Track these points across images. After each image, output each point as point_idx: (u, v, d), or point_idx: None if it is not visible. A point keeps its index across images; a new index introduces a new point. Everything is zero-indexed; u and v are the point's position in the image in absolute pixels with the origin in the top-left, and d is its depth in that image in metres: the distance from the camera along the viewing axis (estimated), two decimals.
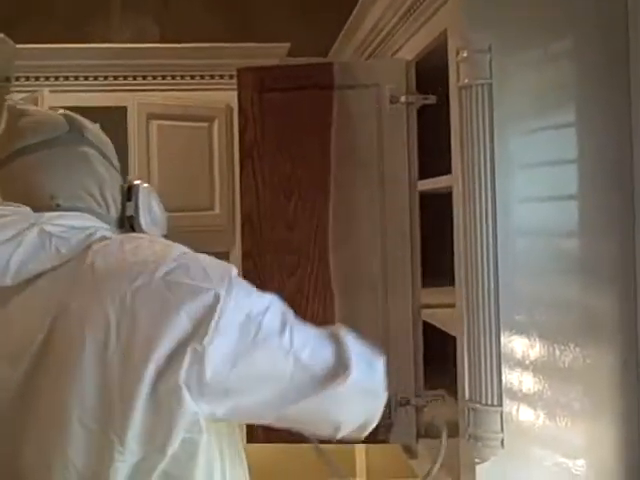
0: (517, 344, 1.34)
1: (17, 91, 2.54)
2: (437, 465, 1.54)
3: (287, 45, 2.59)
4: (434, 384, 1.76)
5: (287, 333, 1.10)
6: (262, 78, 1.78)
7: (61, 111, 1.24)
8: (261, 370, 1.08)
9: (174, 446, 1.03)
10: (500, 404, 1.33)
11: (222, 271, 1.08)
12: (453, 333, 1.47)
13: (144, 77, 2.62)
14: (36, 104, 2.38)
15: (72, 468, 1.02)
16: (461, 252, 1.39)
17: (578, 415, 1.35)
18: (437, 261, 1.75)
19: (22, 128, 1.18)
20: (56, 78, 2.57)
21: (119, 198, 1.24)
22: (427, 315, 1.70)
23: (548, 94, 1.35)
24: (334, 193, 1.74)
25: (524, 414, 1.34)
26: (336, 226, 1.74)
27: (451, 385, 1.52)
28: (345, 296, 1.74)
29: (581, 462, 1.35)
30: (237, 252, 2.11)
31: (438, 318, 1.64)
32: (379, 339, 1.71)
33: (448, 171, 1.47)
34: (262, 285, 1.72)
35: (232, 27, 2.90)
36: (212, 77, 2.65)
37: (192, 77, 2.66)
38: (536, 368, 1.34)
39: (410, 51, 1.71)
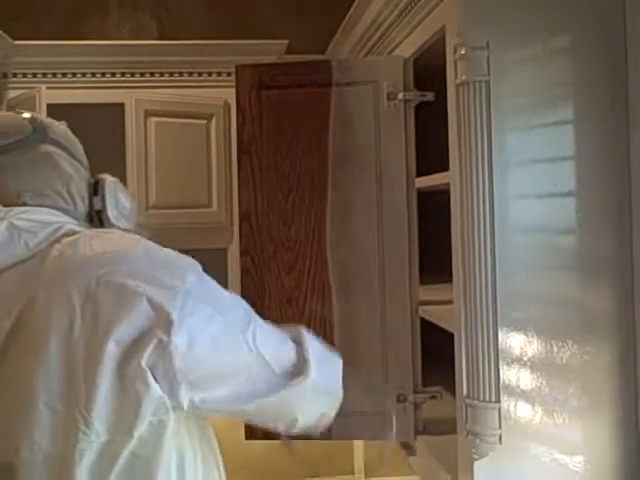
0: (515, 341, 1.34)
1: (15, 88, 2.54)
2: None
3: (285, 42, 2.59)
4: (432, 381, 1.77)
5: (250, 331, 1.14)
6: (260, 75, 1.77)
7: (25, 114, 1.27)
8: (224, 364, 1.12)
9: (141, 429, 1.07)
10: (498, 401, 1.33)
11: (188, 266, 1.13)
12: (451, 330, 1.47)
13: (142, 74, 2.62)
14: (34, 101, 2.38)
15: (38, 450, 1.06)
16: (459, 249, 1.39)
17: (576, 412, 1.35)
18: (435, 258, 1.75)
19: None
20: (54, 75, 2.57)
21: (86, 194, 1.28)
22: (425, 312, 1.70)
23: (546, 91, 1.36)
24: (332, 190, 1.74)
25: (522, 411, 1.34)
26: (334, 223, 1.74)
27: (449, 382, 1.52)
28: (343, 293, 1.74)
29: (579, 458, 1.36)
30: (235, 249, 2.12)
31: (436, 315, 1.64)
32: (377, 336, 1.72)
33: (446, 168, 1.47)
34: (260, 282, 1.76)
35: (230, 24, 2.90)
36: (210, 74, 2.65)
37: (190, 74, 2.66)
38: (534, 365, 1.35)
39: (408, 48, 1.71)
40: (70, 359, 1.05)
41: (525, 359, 1.35)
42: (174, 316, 1.04)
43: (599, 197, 1.36)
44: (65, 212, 1.21)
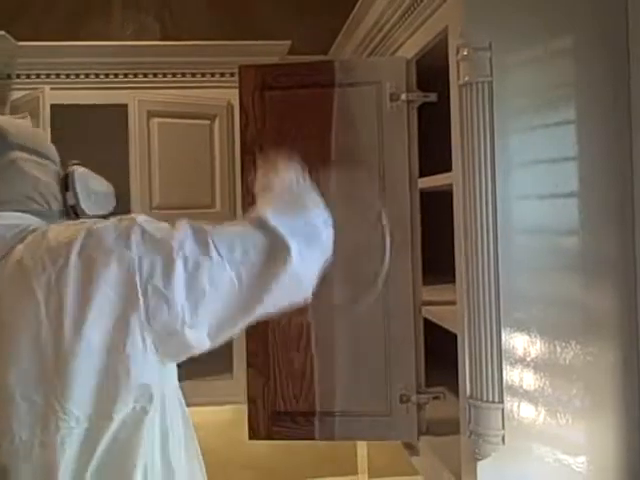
0: (518, 341, 1.34)
1: (18, 88, 2.54)
2: None
3: (288, 43, 2.59)
4: (435, 381, 1.77)
5: (211, 247, 1.16)
6: (263, 76, 1.78)
7: None
8: (210, 292, 1.15)
9: (121, 414, 1.12)
10: (501, 401, 1.33)
11: (128, 230, 1.15)
12: (454, 330, 1.47)
13: (145, 75, 2.62)
14: (37, 101, 2.39)
15: (18, 441, 1.10)
16: (461, 249, 1.39)
17: (579, 412, 1.35)
18: (438, 258, 1.75)
19: None
20: (57, 75, 2.57)
21: (58, 190, 1.31)
22: (428, 312, 1.70)
23: (548, 92, 1.36)
24: (335, 190, 1.74)
25: (525, 411, 1.35)
26: (337, 223, 1.74)
27: (452, 382, 1.52)
28: (346, 293, 1.74)
29: (582, 459, 1.36)
30: None
31: (439, 315, 1.64)
32: (380, 336, 1.72)
33: (448, 169, 1.47)
34: None
35: (233, 25, 2.90)
36: (213, 75, 2.65)
37: (193, 75, 2.65)
38: (537, 365, 1.35)
39: (410, 49, 1.71)
40: (41, 353, 1.09)
41: (528, 360, 1.35)
42: (136, 287, 1.10)
43: (601, 198, 1.36)
44: (39, 214, 1.25)
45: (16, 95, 2.54)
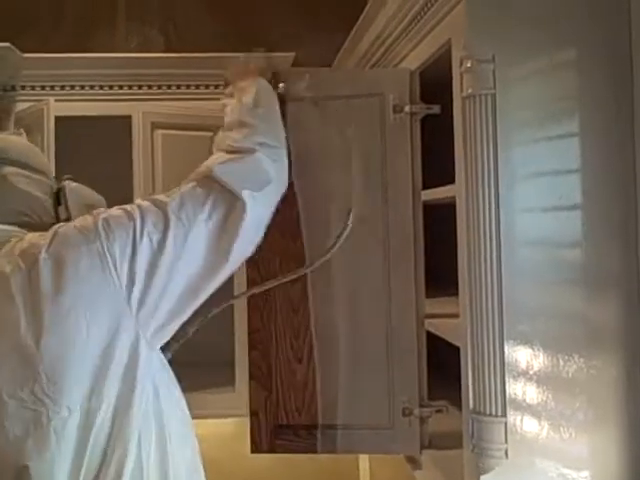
0: (521, 355, 1.33)
1: (23, 100, 2.55)
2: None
3: (291, 55, 2.59)
4: (438, 395, 1.76)
5: (171, 215, 1.24)
6: None
7: None
8: (181, 257, 1.24)
9: (111, 399, 1.18)
10: (504, 415, 1.32)
11: (93, 223, 1.22)
12: (457, 343, 1.46)
13: (149, 86, 2.63)
14: (42, 113, 2.39)
15: (13, 438, 1.14)
16: (464, 262, 1.39)
17: (582, 426, 1.35)
18: (441, 271, 1.75)
19: None
20: (62, 87, 2.58)
21: (50, 205, 1.36)
22: (431, 325, 1.70)
23: (552, 104, 1.35)
24: (337, 201, 1.74)
25: (528, 425, 1.34)
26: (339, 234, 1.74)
27: (455, 396, 1.51)
28: (349, 304, 1.74)
29: (585, 473, 1.35)
30: None
31: (442, 328, 1.64)
32: (383, 349, 1.71)
33: (451, 181, 1.47)
34: (266, 292, 1.75)
35: (237, 37, 2.91)
36: (217, 87, 2.65)
37: (197, 87, 2.66)
38: (540, 379, 1.34)
39: (414, 61, 1.71)
40: (24, 353, 1.14)
41: (531, 373, 1.34)
42: (112, 266, 1.17)
43: (605, 210, 1.35)
44: (29, 225, 1.29)
45: (21, 107, 2.55)
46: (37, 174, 1.35)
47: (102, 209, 1.28)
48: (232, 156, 1.38)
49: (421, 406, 1.70)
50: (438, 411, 1.71)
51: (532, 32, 1.35)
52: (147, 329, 1.23)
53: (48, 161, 1.41)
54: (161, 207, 1.26)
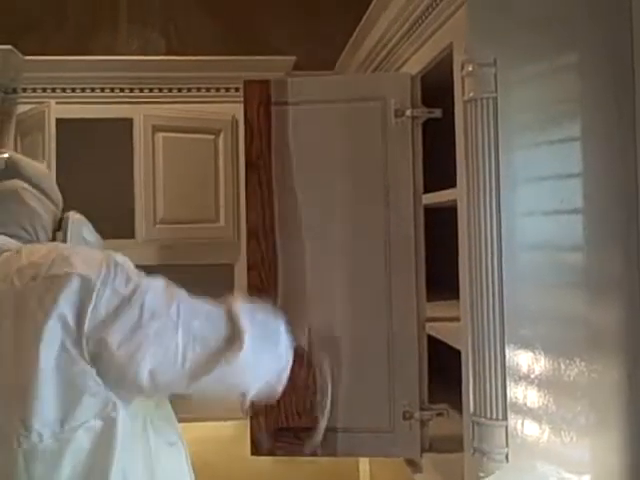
0: (522, 358, 1.33)
1: (24, 102, 2.55)
2: None
3: (293, 58, 2.60)
4: (439, 398, 1.76)
5: (174, 308, 1.20)
6: (268, 91, 1.78)
7: (4, 154, 1.38)
8: (156, 346, 1.18)
9: (83, 426, 1.14)
10: (505, 418, 1.32)
11: (99, 261, 1.20)
12: (458, 347, 1.46)
13: (150, 89, 2.63)
14: (43, 116, 2.40)
15: None
16: (466, 266, 1.39)
17: (583, 430, 1.34)
18: (442, 275, 1.75)
19: None
20: (63, 90, 2.58)
21: (50, 227, 1.38)
22: (432, 329, 1.70)
23: (553, 108, 1.36)
24: (339, 205, 1.74)
25: (529, 429, 1.34)
26: (341, 239, 1.74)
27: (456, 399, 1.51)
28: (350, 308, 1.74)
29: (586, 477, 1.35)
30: (242, 265, 2.12)
31: (443, 332, 1.64)
32: (384, 352, 1.71)
33: (453, 185, 1.47)
34: (267, 297, 1.75)
35: (238, 40, 2.91)
36: (218, 90, 2.66)
37: (198, 89, 2.66)
38: (541, 382, 1.34)
39: (415, 65, 1.71)
40: (3, 372, 1.14)
41: (532, 377, 1.34)
42: (87, 312, 1.13)
43: (606, 214, 1.35)
44: (23, 240, 1.31)
45: (22, 109, 2.55)
46: (46, 197, 1.38)
47: (119, 255, 1.24)
48: (260, 313, 1.36)
49: (422, 409, 1.70)
50: (439, 414, 1.71)
51: (533, 35, 1.35)
52: (110, 381, 1.19)
53: (60, 194, 1.42)
54: (171, 292, 1.24)
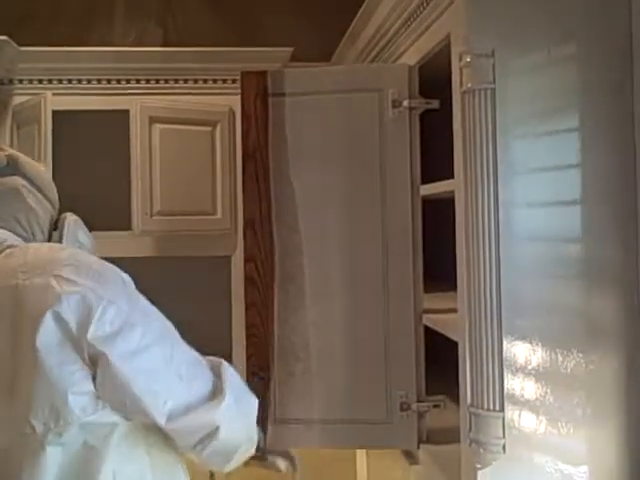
0: (519, 349, 1.33)
1: (20, 94, 2.55)
2: None
3: (290, 50, 2.59)
4: (436, 389, 1.76)
5: (169, 347, 1.22)
6: (265, 82, 1.78)
7: (7, 152, 1.39)
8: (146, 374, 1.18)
9: (75, 422, 1.14)
10: (502, 409, 1.32)
11: (111, 275, 1.22)
12: (455, 338, 1.46)
13: (147, 81, 2.62)
14: (39, 107, 2.39)
15: None
16: (463, 257, 1.39)
17: (580, 421, 1.35)
18: (439, 266, 1.75)
19: None
20: (59, 81, 2.58)
21: (47, 227, 1.39)
22: (429, 320, 1.70)
23: (551, 99, 1.35)
24: (336, 197, 1.74)
25: (526, 420, 1.34)
26: (339, 230, 1.74)
27: (453, 391, 1.51)
28: (347, 300, 1.74)
29: (583, 468, 1.35)
30: (239, 256, 2.12)
31: (440, 323, 1.64)
32: (381, 344, 1.71)
33: (450, 176, 1.47)
34: (264, 289, 1.75)
35: (235, 31, 2.90)
36: (215, 81, 2.65)
37: (195, 81, 2.66)
38: (538, 374, 1.34)
39: (413, 56, 1.71)
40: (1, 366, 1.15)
41: (530, 368, 1.34)
42: (91, 322, 1.12)
43: (604, 205, 1.35)
44: (20, 237, 1.31)
45: (18, 100, 2.54)
46: (44, 197, 1.39)
47: (124, 277, 1.24)
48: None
49: (419, 401, 1.70)
50: (436, 406, 1.71)
51: (532, 26, 1.35)
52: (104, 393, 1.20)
53: (57, 195, 1.43)
54: (171, 331, 1.26)
